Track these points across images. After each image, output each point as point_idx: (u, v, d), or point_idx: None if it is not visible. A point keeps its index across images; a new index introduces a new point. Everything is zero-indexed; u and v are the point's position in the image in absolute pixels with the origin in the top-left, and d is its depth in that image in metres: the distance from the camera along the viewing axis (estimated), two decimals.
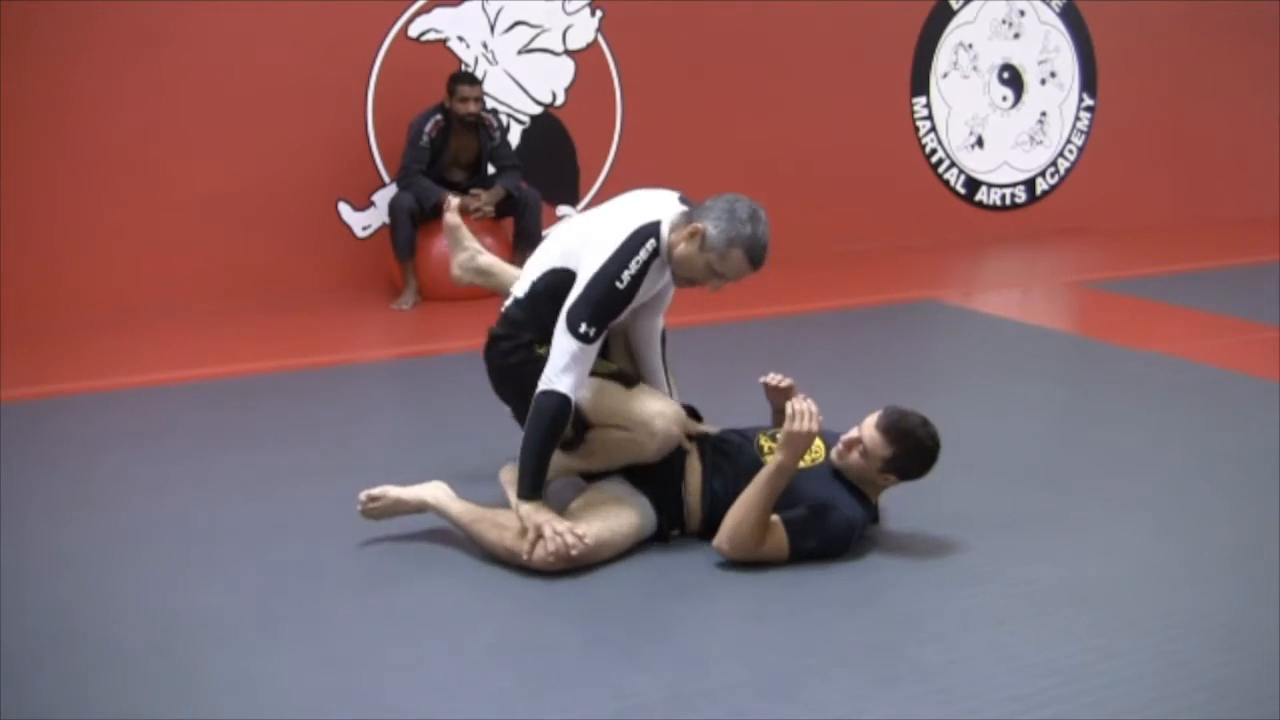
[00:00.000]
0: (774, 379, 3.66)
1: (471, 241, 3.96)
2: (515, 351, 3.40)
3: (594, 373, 3.34)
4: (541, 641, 2.96)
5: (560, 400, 3.19)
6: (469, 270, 3.95)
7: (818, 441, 3.42)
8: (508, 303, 3.48)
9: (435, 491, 3.44)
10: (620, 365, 3.53)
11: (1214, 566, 3.34)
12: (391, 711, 2.62)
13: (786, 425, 3.21)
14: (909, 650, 2.88)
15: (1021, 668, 2.79)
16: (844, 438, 3.36)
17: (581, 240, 3.32)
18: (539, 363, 3.27)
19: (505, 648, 2.92)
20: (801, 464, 3.35)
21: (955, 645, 2.90)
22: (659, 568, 3.27)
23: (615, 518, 3.32)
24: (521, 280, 3.47)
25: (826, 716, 2.59)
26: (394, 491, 3.42)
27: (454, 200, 4.05)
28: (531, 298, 3.39)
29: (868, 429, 3.32)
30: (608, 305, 3.20)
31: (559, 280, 3.31)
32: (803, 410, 3.20)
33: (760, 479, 3.22)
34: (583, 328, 3.18)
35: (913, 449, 3.31)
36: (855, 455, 3.32)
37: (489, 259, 3.95)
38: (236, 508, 3.73)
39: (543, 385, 3.20)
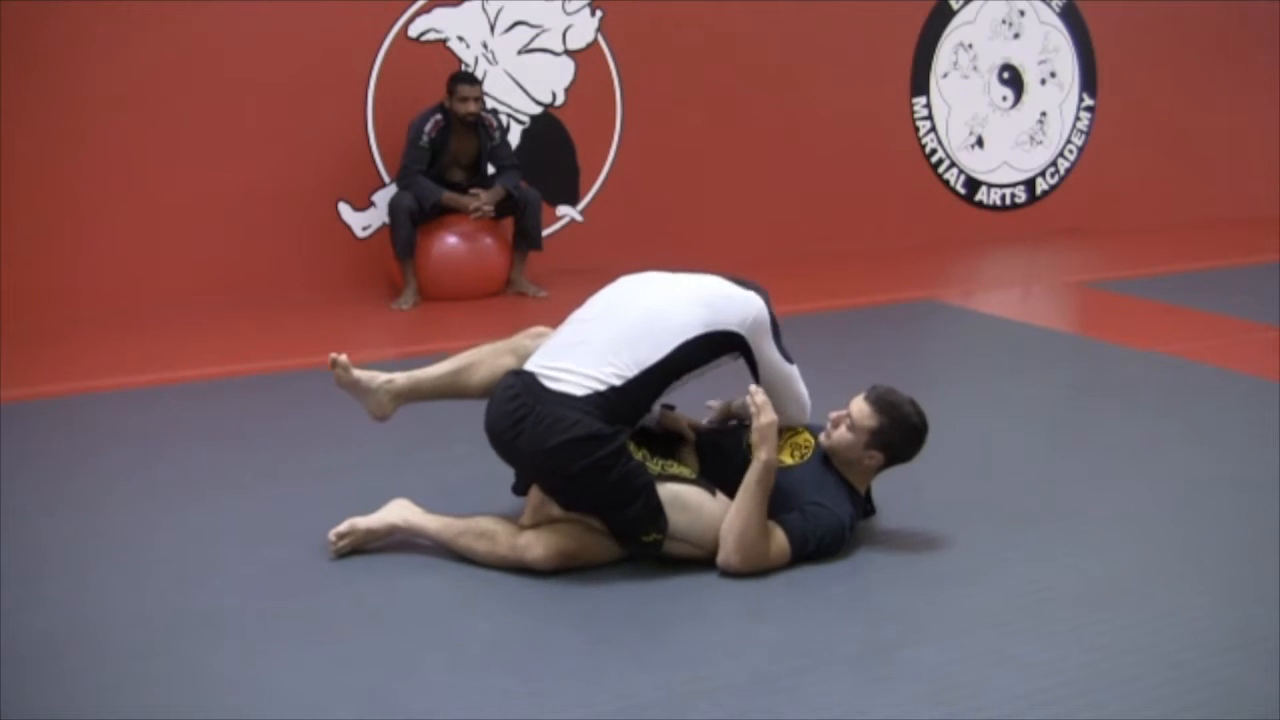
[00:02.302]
0: (712, 405, 3.72)
1: (373, 378, 3.53)
2: (614, 463, 3.16)
3: (680, 479, 3.30)
4: (541, 641, 2.97)
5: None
6: (389, 403, 3.55)
7: (807, 437, 3.43)
8: (585, 393, 3.18)
9: (403, 512, 3.40)
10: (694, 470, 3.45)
11: (1215, 566, 3.34)
12: (391, 711, 2.62)
13: (754, 422, 3.23)
14: (909, 650, 2.89)
15: (1022, 668, 2.79)
16: (832, 415, 3.39)
17: (674, 315, 3.27)
18: (636, 472, 3.20)
19: (505, 648, 2.92)
20: (790, 460, 3.37)
21: (955, 645, 2.90)
22: (658, 568, 3.27)
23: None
24: (598, 364, 3.22)
25: (826, 716, 2.60)
26: (361, 523, 3.37)
27: (341, 357, 3.51)
28: (643, 378, 3.22)
29: (855, 402, 3.36)
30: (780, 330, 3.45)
31: (672, 362, 3.25)
32: (760, 402, 3.24)
33: (750, 483, 3.22)
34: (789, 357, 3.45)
35: (899, 420, 3.32)
36: (842, 430, 3.34)
37: (402, 378, 3.55)
38: (235, 508, 3.73)
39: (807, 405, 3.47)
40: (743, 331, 3.31)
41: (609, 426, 3.18)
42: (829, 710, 2.61)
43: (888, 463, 3.39)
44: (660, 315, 3.28)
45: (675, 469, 3.35)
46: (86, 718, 2.60)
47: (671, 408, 3.61)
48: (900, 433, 3.33)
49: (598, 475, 3.16)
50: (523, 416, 3.22)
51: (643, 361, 3.23)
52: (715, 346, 3.30)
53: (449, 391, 3.56)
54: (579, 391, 3.20)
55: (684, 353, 3.25)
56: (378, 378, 3.54)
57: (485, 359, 3.51)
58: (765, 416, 3.22)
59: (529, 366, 3.33)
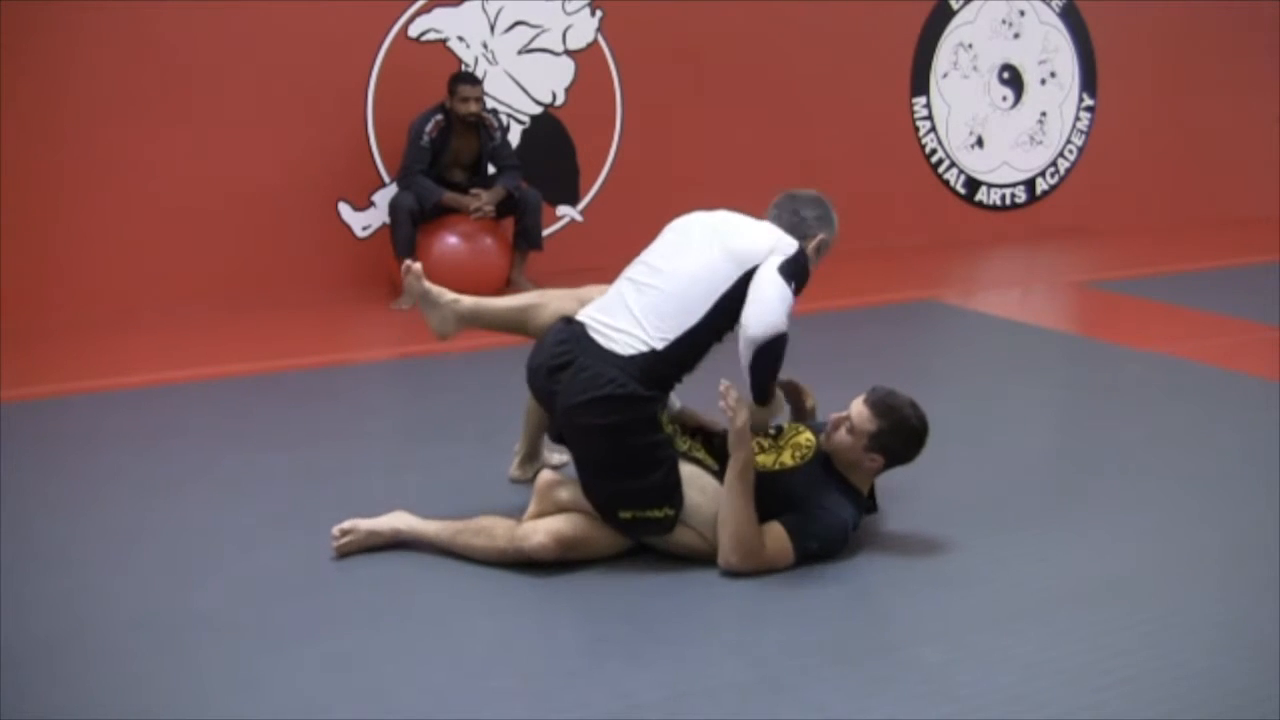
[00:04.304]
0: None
1: (443, 293, 3.62)
2: (644, 428, 3.22)
3: (703, 464, 3.34)
4: (542, 641, 2.97)
5: (785, 339, 3.29)
6: (453, 322, 3.62)
7: (809, 437, 3.43)
8: (630, 352, 3.23)
9: (405, 518, 3.41)
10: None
11: (1214, 566, 3.34)
12: (392, 711, 2.62)
13: (729, 425, 3.22)
14: (909, 650, 2.89)
15: (1021, 668, 2.79)
16: (832, 417, 3.39)
17: (720, 281, 3.30)
18: (663, 444, 3.25)
19: (505, 647, 2.92)
20: (791, 461, 3.36)
21: (955, 645, 2.90)
22: (659, 567, 3.27)
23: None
24: (645, 325, 3.26)
25: (826, 716, 2.60)
26: (364, 524, 3.38)
27: (416, 265, 3.61)
28: (687, 339, 3.27)
29: (855, 405, 3.35)
30: (802, 281, 3.36)
31: (713, 323, 3.29)
32: (733, 403, 3.21)
33: (731, 480, 3.22)
34: (794, 285, 3.32)
35: (899, 423, 3.32)
36: (842, 432, 3.34)
37: (471, 300, 3.65)
38: (236, 508, 3.73)
39: (773, 329, 3.24)
40: (761, 260, 3.33)
41: (646, 390, 3.22)
42: (829, 710, 2.61)
43: (888, 465, 3.39)
44: (696, 280, 3.31)
45: (700, 454, 3.38)
46: (86, 718, 2.60)
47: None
48: (900, 436, 3.33)
49: (625, 436, 3.21)
50: (565, 364, 3.28)
51: (686, 324, 3.27)
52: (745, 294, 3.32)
53: (511, 325, 3.64)
54: (624, 350, 3.25)
55: (719, 311, 3.29)
56: (446, 294, 3.62)
57: (551, 303, 3.58)
58: (740, 417, 3.22)
59: (580, 316, 3.38)
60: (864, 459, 3.35)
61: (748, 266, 3.31)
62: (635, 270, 3.45)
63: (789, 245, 3.37)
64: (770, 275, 3.29)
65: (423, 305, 3.65)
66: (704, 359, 3.38)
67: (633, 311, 3.31)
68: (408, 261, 3.65)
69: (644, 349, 3.25)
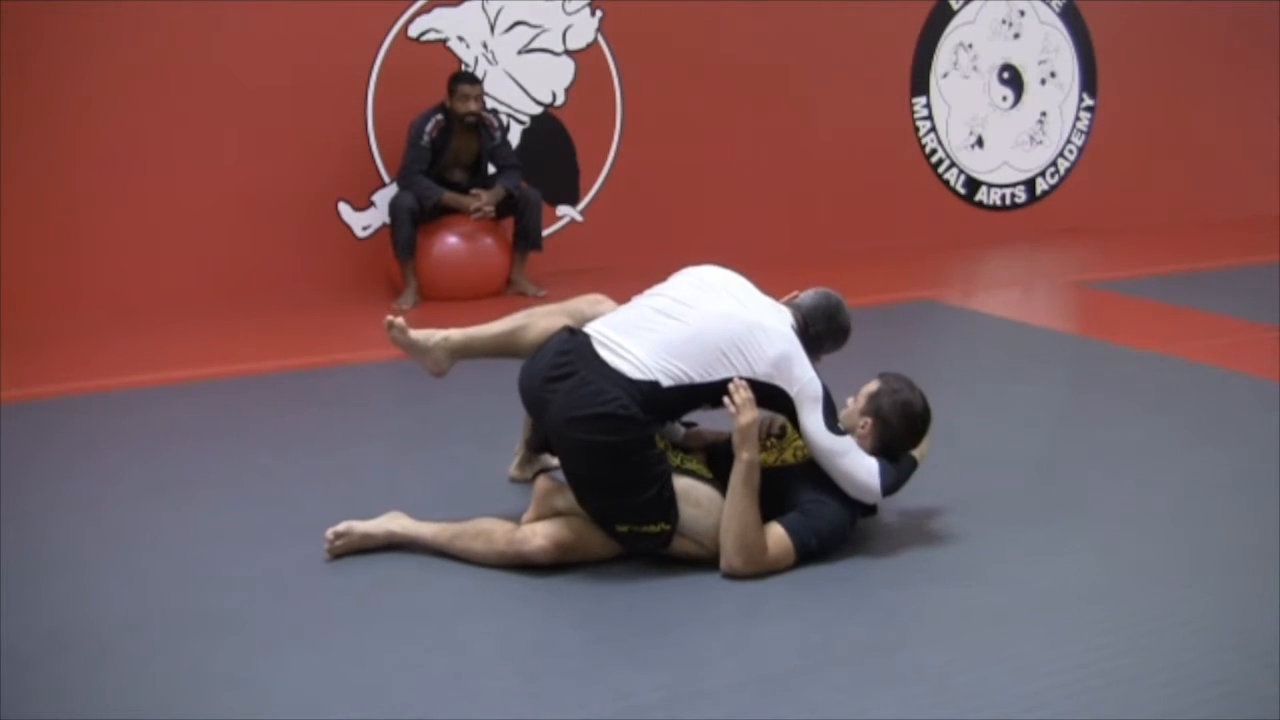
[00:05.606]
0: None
1: (429, 336, 3.60)
2: (639, 447, 3.20)
3: (696, 475, 3.33)
4: (542, 641, 2.97)
5: (886, 471, 3.35)
6: (446, 360, 3.62)
7: None
8: (637, 376, 3.19)
9: (401, 520, 3.41)
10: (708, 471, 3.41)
11: (1215, 566, 3.34)
12: (392, 711, 2.62)
13: (734, 421, 3.22)
14: (909, 650, 2.89)
15: (1022, 668, 2.79)
16: (848, 400, 3.48)
17: (739, 348, 3.26)
18: (656, 459, 3.23)
19: (505, 647, 2.92)
20: (793, 460, 3.37)
21: (955, 645, 2.90)
22: (659, 567, 3.27)
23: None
24: (656, 354, 3.23)
25: (826, 716, 2.60)
26: (359, 527, 3.37)
27: (398, 320, 3.60)
28: (688, 390, 3.24)
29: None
30: (835, 411, 3.34)
31: (713, 389, 3.26)
32: (740, 401, 3.21)
33: (736, 484, 3.22)
34: (837, 424, 3.31)
35: (895, 390, 3.41)
36: (847, 403, 3.45)
37: (459, 334, 3.61)
38: (236, 508, 3.74)
39: (873, 478, 3.30)
40: (792, 394, 3.29)
41: (644, 414, 3.19)
42: (829, 710, 2.62)
43: (881, 438, 3.40)
44: (722, 345, 3.27)
45: (693, 465, 3.37)
46: (86, 718, 2.60)
47: (693, 424, 3.63)
48: (892, 399, 3.39)
49: (619, 455, 3.18)
50: (566, 375, 3.24)
51: (693, 377, 3.24)
52: (761, 393, 3.28)
53: (503, 350, 3.61)
54: (631, 373, 3.20)
55: (724, 387, 3.27)
56: (433, 336, 3.61)
57: (539, 321, 3.56)
58: (745, 416, 3.21)
59: (587, 329, 3.35)
60: (857, 425, 3.41)
61: (774, 381, 3.26)
62: (657, 301, 3.40)
63: (811, 385, 3.27)
64: (829, 443, 3.27)
65: (413, 353, 3.64)
66: (699, 410, 3.38)
67: (647, 337, 3.27)
68: (389, 318, 3.61)
69: (650, 378, 3.21)
